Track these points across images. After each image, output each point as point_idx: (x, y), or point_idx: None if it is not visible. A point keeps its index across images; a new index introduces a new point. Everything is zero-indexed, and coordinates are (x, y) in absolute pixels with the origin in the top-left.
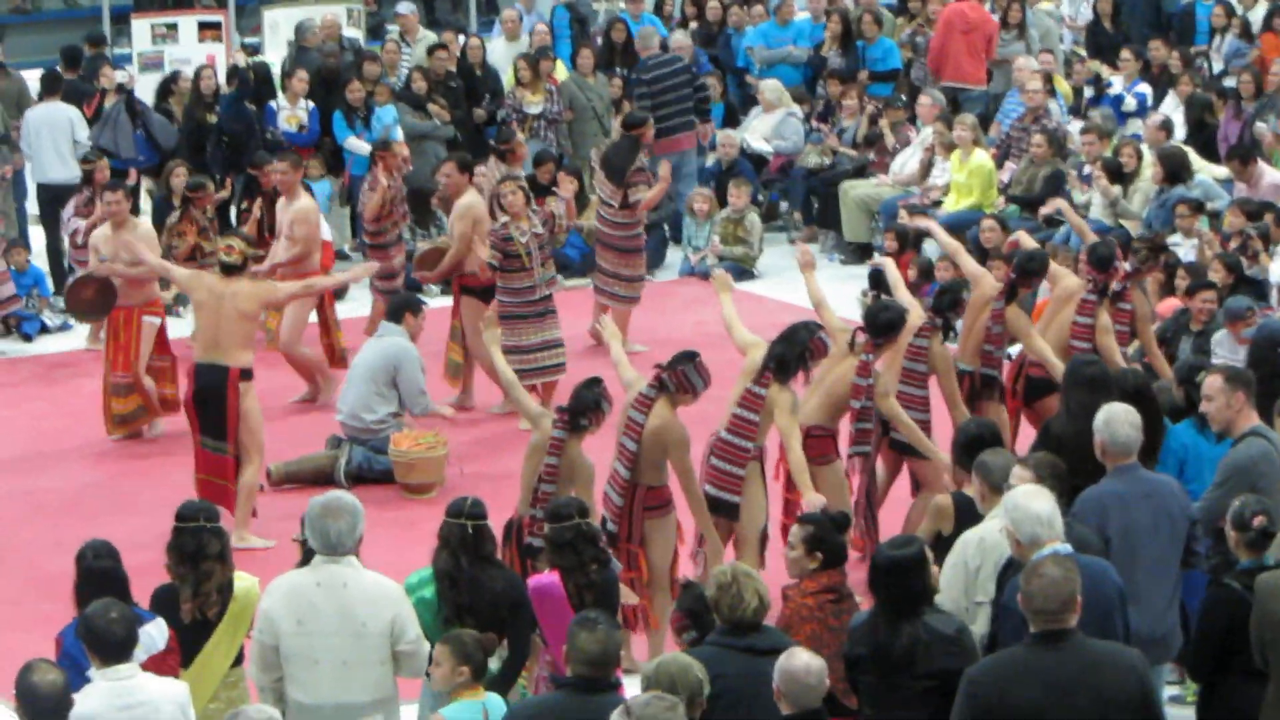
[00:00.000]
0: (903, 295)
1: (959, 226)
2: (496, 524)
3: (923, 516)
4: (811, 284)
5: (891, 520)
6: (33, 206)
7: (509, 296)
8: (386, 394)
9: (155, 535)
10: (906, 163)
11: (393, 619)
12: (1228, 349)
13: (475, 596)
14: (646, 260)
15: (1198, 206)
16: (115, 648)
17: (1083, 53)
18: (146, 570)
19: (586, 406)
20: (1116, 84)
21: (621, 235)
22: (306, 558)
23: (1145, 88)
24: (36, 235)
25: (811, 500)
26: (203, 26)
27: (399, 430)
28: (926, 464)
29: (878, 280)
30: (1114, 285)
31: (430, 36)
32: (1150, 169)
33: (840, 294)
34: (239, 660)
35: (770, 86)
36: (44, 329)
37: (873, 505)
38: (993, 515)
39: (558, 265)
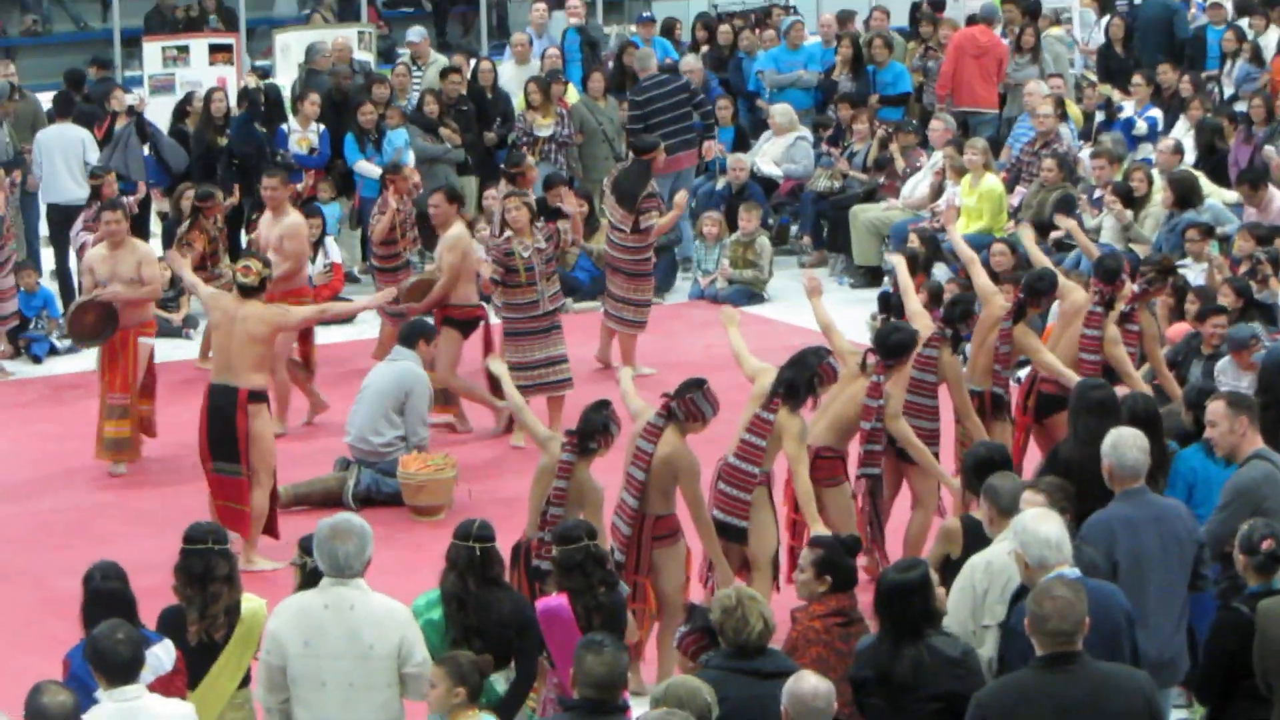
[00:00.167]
0: (912, 302)
1: None
2: (504, 546)
3: (921, 533)
4: (819, 309)
5: (892, 540)
6: (43, 228)
7: (512, 313)
8: (394, 418)
9: (164, 557)
10: (917, 186)
11: (400, 641)
12: (1232, 376)
13: (483, 619)
14: (655, 284)
15: (1208, 231)
16: (122, 669)
17: (1093, 77)
18: (156, 592)
19: (595, 429)
20: (1128, 108)
21: (631, 260)
22: (304, 581)
23: (1156, 112)
24: (46, 257)
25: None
26: (214, 49)
27: (407, 453)
28: (925, 479)
29: (887, 304)
30: (1122, 306)
31: (442, 60)
32: (1160, 193)
33: (850, 318)
34: (246, 681)
35: (781, 110)
36: (53, 350)
37: (881, 529)
38: (1001, 539)
39: (568, 289)
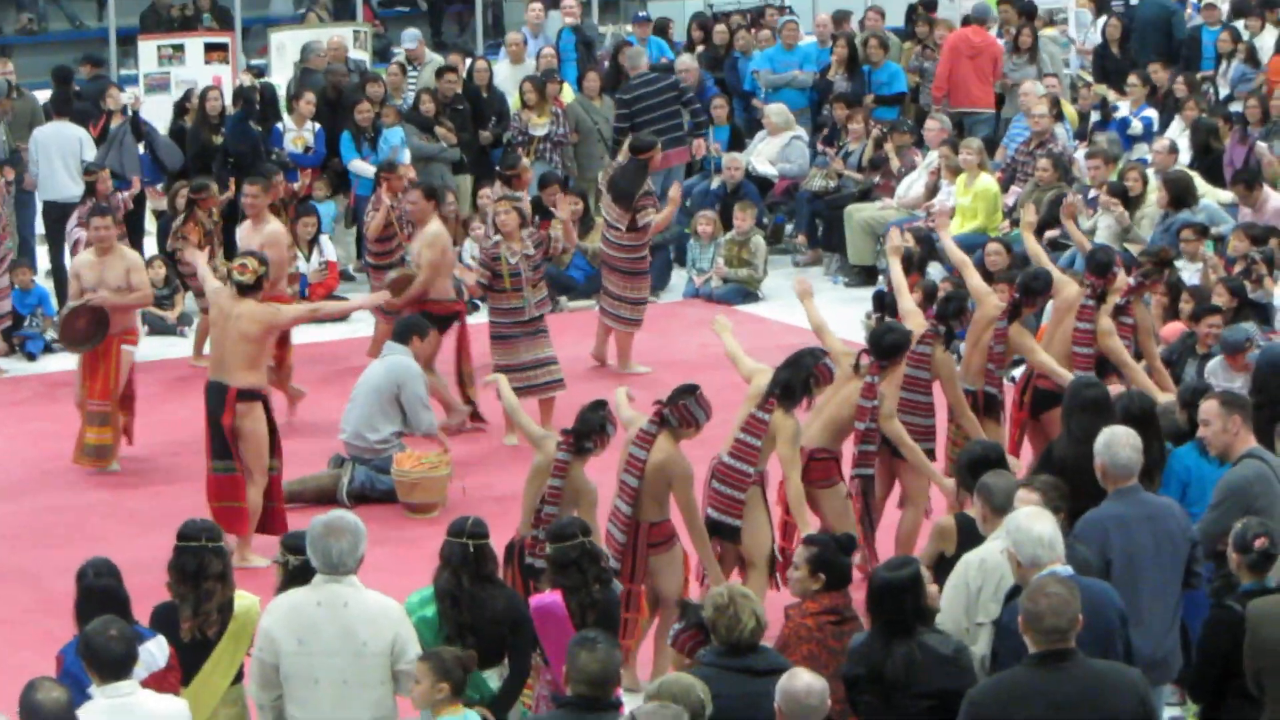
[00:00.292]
0: (905, 300)
1: (964, 250)
2: (498, 544)
3: (913, 531)
4: (811, 311)
5: (883, 538)
6: (39, 226)
7: (499, 316)
8: (389, 413)
9: (158, 554)
10: (912, 186)
11: (393, 638)
12: (1223, 377)
13: (476, 616)
14: (651, 282)
15: (1202, 231)
16: (115, 665)
17: (1089, 77)
18: (149, 589)
19: (591, 429)
20: (1123, 108)
21: (627, 258)
22: (285, 580)
23: (1152, 112)
24: (41, 255)
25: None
26: (209, 48)
27: (402, 450)
28: (916, 476)
29: (881, 302)
30: (1117, 299)
31: (437, 60)
32: (1155, 193)
33: (844, 317)
34: (239, 678)
35: (776, 110)
36: (48, 348)
37: (873, 527)
38: (994, 537)
39: (562, 287)
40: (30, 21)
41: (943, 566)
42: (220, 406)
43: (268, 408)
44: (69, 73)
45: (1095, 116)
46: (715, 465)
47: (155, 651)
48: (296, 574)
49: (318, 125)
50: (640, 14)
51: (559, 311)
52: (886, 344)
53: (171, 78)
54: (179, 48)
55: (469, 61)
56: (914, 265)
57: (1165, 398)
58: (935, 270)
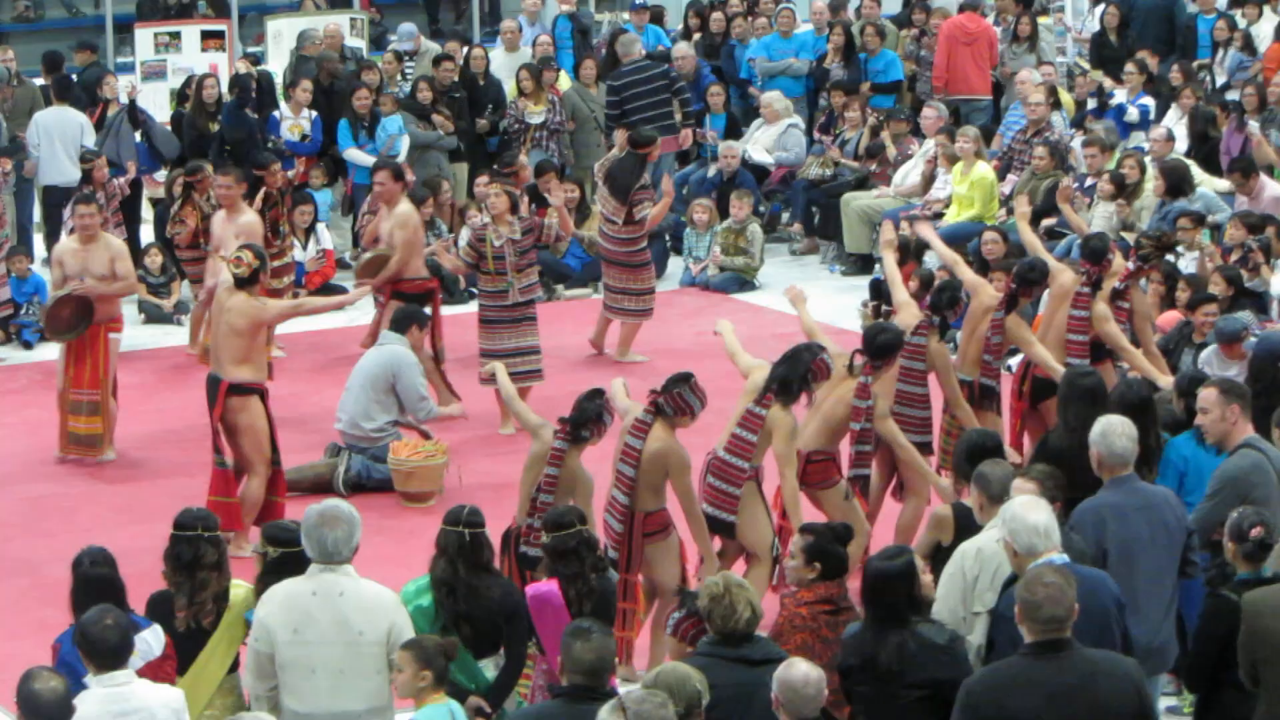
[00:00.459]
0: (899, 291)
1: (960, 238)
2: (494, 533)
3: (913, 521)
4: (805, 317)
5: (882, 528)
6: (36, 214)
7: (485, 300)
8: (385, 402)
9: (154, 543)
10: (908, 174)
11: (389, 628)
12: (1217, 366)
13: (472, 605)
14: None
15: (1199, 219)
16: (110, 654)
17: (1085, 65)
18: (145, 578)
19: (588, 418)
20: (1120, 96)
21: (626, 251)
22: (265, 570)
23: (1149, 100)
24: (38, 243)
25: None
26: (206, 36)
27: (398, 439)
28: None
29: (878, 291)
30: (1116, 283)
31: (434, 47)
32: (1152, 182)
33: (841, 305)
34: (234, 667)
35: (772, 98)
36: (44, 336)
37: (870, 519)
38: (991, 526)
39: (559, 275)
40: (27, 9)
41: (939, 556)
42: (213, 400)
43: (265, 402)
44: (60, 59)
45: (1092, 104)
46: (711, 460)
47: (151, 641)
48: (276, 564)
49: (314, 113)
50: (637, 1)
51: (556, 299)
52: (879, 344)
53: (168, 65)
54: (175, 35)
55: (465, 49)
56: (910, 253)
57: (1164, 381)
58: (932, 259)
